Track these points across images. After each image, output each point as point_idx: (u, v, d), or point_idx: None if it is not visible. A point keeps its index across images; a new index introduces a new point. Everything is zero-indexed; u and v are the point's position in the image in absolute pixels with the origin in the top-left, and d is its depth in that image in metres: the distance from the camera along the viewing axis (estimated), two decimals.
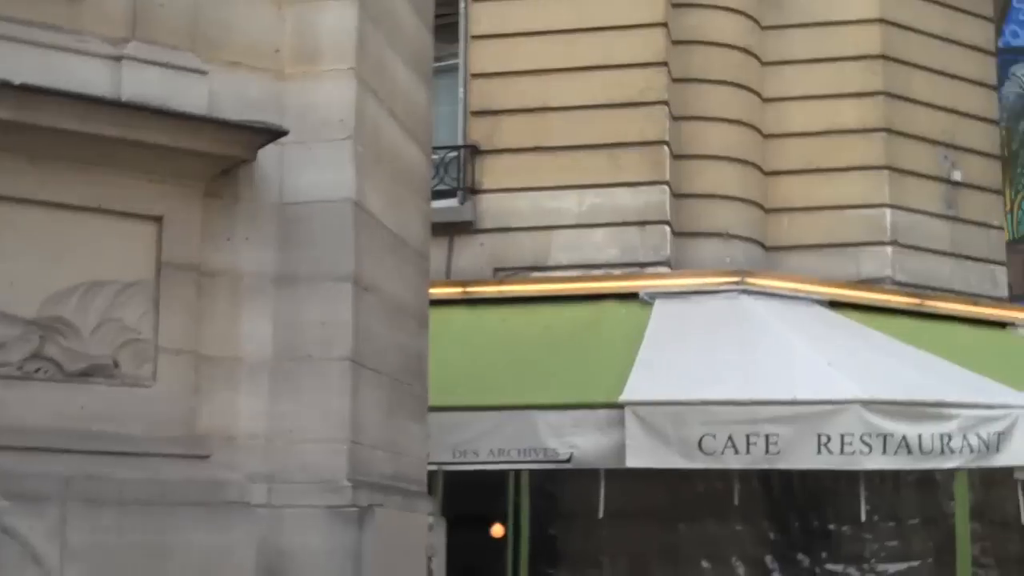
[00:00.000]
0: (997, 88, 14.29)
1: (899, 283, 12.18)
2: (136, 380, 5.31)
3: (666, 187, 11.68)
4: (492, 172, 12.04)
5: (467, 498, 9.68)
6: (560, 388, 9.42)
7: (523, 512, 10.22)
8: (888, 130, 12.54)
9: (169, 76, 5.50)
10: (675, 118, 11.96)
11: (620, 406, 8.90)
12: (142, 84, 5.38)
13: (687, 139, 12.04)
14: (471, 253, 11.91)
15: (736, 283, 11.08)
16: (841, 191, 12.43)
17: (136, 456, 5.17)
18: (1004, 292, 13.31)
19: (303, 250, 5.86)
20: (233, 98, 5.72)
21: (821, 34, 12.73)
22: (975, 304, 12.32)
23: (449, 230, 11.64)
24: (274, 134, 5.62)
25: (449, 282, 11.46)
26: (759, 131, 12.44)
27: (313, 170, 5.91)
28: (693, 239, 11.91)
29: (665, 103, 11.83)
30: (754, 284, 11.13)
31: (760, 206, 12.30)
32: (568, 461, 8.99)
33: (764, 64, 12.61)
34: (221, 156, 5.56)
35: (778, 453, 8.78)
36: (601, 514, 9.13)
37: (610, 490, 9.16)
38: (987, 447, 8.91)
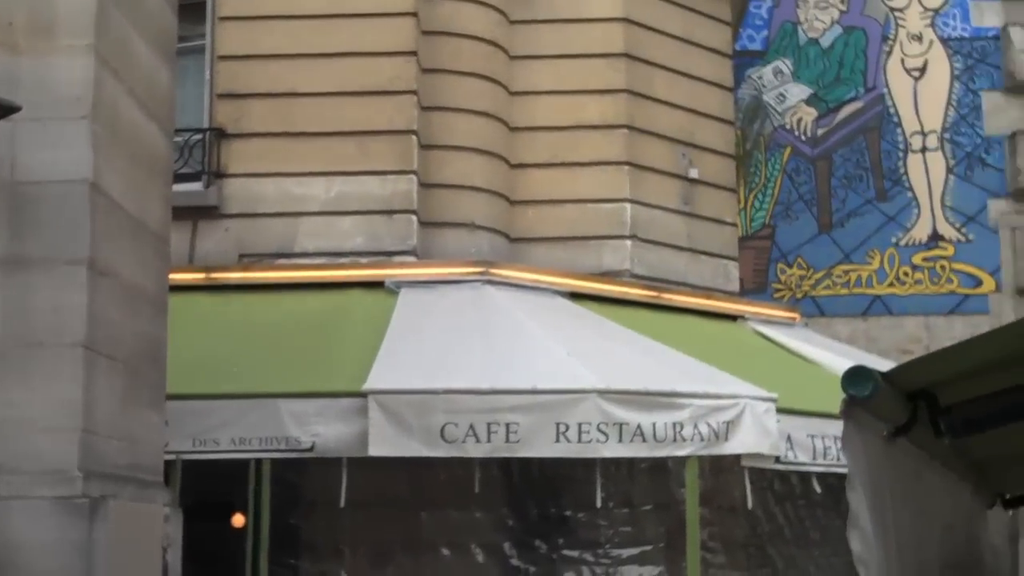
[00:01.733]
0: (733, 90, 14.86)
1: (637, 276, 12.51)
2: None
3: (414, 176, 11.73)
4: (238, 156, 11.85)
5: (207, 487, 9.51)
6: (304, 376, 9.36)
7: (264, 501, 10.10)
8: (630, 127, 12.87)
9: None
10: (424, 108, 12.01)
11: (363, 395, 8.90)
12: None
13: (435, 129, 12.10)
14: (215, 238, 11.70)
15: (481, 273, 11.22)
16: (584, 185, 12.70)
17: None
18: (736, 286, 13.85)
19: (35, 232, 5.67)
20: None
21: (567, 31, 12.97)
22: (708, 297, 12.78)
23: (193, 214, 11.41)
24: (5, 110, 5.41)
25: (192, 267, 11.25)
26: (506, 124, 12.60)
27: (48, 149, 5.72)
28: (440, 229, 11.99)
29: (414, 92, 11.87)
30: (498, 275, 11.28)
31: (506, 198, 12.47)
32: (310, 450, 8.94)
33: (512, 58, 12.78)
34: None
35: (518, 441, 8.92)
36: (343, 503, 9.11)
37: (352, 479, 9.16)
38: (716, 435, 9.24)
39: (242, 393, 9.09)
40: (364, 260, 11.47)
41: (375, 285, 11.15)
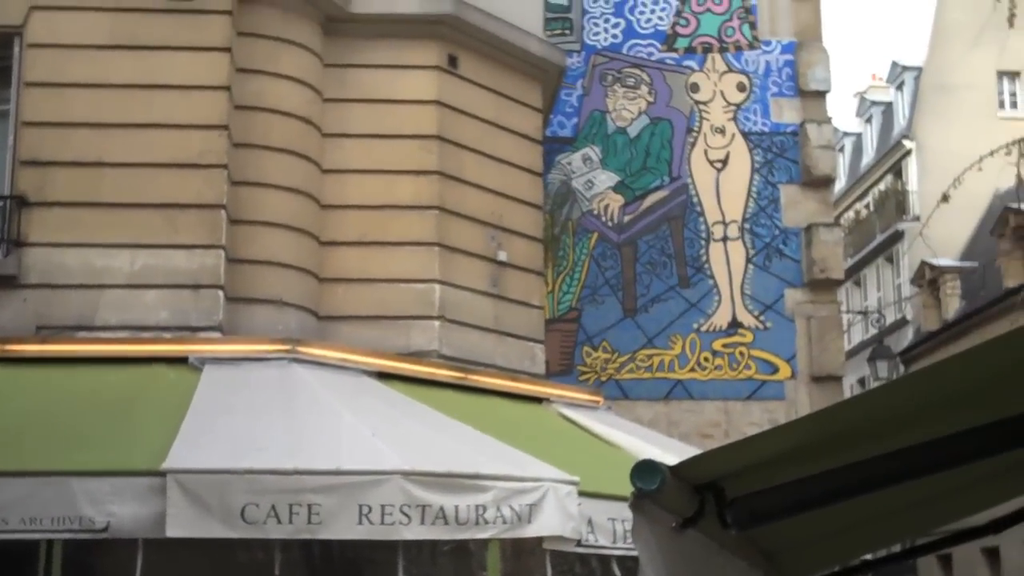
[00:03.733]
0: (543, 175, 15.14)
1: (445, 357, 12.57)
2: None
3: (222, 251, 11.61)
4: (40, 225, 11.57)
5: None
6: (100, 454, 9.11)
7: None
8: (440, 208, 12.99)
9: None
10: (234, 183, 11.93)
11: (162, 474, 8.70)
12: None
13: (245, 204, 12.03)
14: (12, 309, 11.36)
15: (287, 351, 11.10)
16: (394, 265, 12.76)
17: None
18: (542, 369, 14.02)
19: None
20: None
21: (380, 111, 13.08)
22: (515, 380, 12.91)
23: None
24: None
25: None
26: (317, 201, 12.60)
27: None
28: (247, 305, 11.88)
29: (224, 167, 11.79)
30: (305, 353, 11.19)
31: (315, 275, 12.44)
32: (105, 530, 8.68)
33: (325, 135, 12.82)
34: None
35: (320, 523, 8.82)
36: None
37: (148, 560, 8.91)
38: (519, 518, 9.29)
39: (33, 471, 8.79)
40: (168, 335, 11.27)
41: (179, 361, 10.95)
